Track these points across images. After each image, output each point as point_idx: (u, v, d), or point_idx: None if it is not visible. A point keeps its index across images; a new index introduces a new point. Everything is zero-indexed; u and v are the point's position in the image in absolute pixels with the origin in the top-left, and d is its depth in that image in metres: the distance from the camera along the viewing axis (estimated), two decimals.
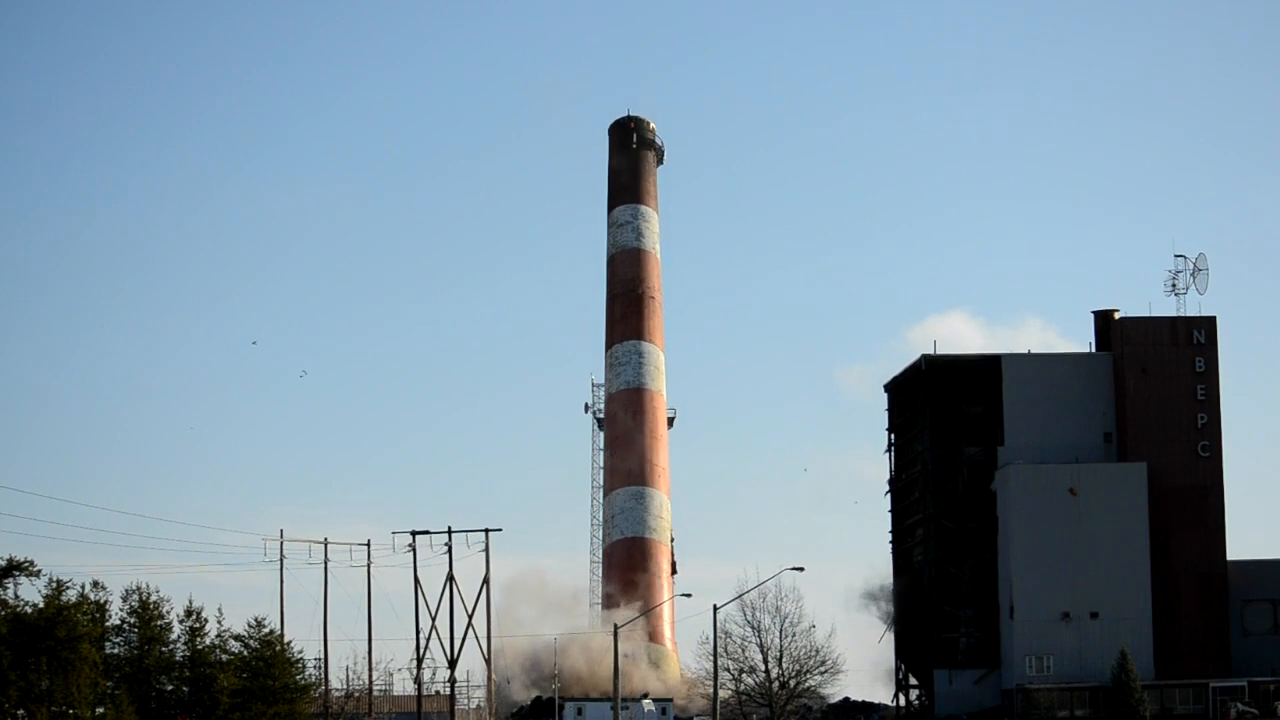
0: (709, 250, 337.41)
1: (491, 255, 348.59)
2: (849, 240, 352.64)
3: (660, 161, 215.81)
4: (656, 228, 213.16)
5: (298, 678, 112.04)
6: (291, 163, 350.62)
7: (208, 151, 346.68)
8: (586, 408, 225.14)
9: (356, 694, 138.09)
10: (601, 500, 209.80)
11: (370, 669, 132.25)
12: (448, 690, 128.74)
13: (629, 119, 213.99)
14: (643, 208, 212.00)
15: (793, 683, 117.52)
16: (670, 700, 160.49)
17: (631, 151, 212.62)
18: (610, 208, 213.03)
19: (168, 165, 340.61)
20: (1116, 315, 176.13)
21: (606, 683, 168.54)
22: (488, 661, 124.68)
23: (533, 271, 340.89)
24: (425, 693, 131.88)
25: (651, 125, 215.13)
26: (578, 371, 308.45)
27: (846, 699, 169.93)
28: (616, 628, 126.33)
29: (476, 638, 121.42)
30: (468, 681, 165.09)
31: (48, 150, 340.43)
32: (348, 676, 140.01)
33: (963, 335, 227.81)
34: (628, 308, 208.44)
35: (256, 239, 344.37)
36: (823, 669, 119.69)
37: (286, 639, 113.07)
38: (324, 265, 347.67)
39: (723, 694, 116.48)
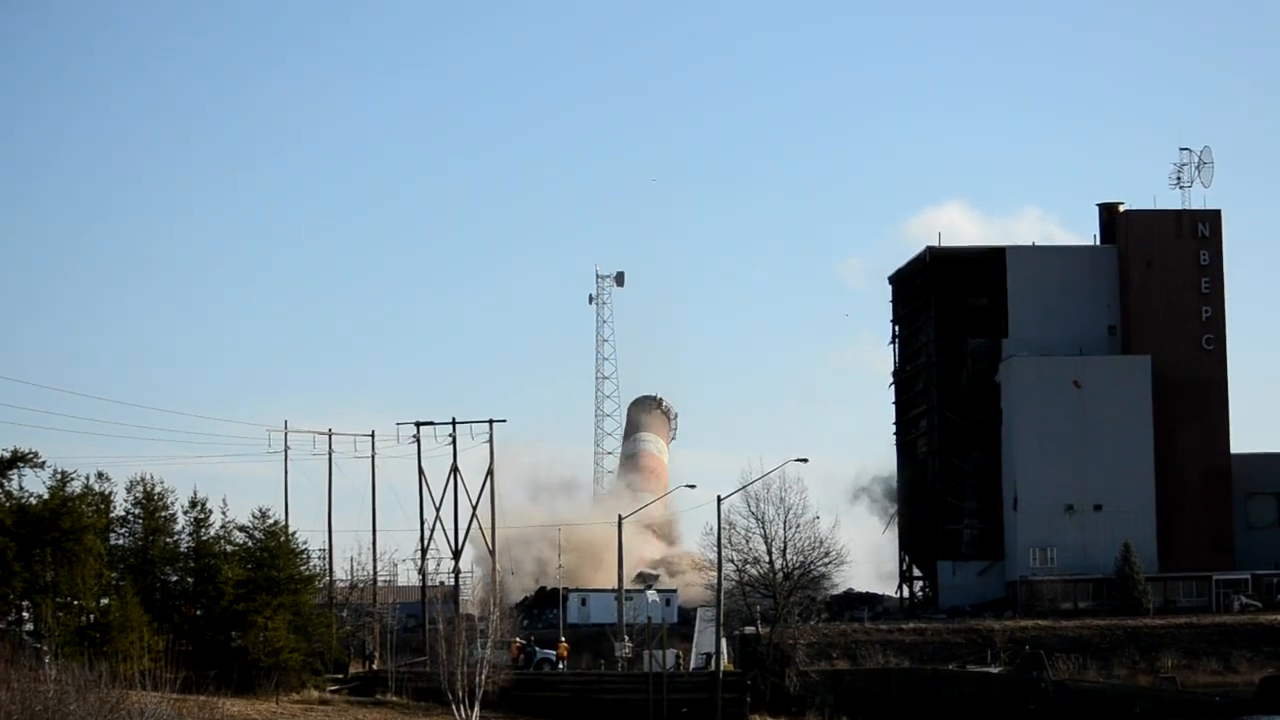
0: (710, 138, 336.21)
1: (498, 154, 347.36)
2: (845, 130, 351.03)
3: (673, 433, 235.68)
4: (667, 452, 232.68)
5: (302, 568, 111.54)
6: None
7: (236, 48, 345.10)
8: (590, 299, 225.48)
9: (361, 584, 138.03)
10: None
11: (374, 560, 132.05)
12: (452, 581, 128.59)
13: (654, 397, 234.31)
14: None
15: (797, 573, 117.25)
16: (674, 591, 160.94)
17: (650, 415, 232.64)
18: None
19: (188, 59, 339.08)
20: (1121, 208, 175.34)
21: (598, 577, 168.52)
22: (492, 552, 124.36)
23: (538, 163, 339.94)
24: (429, 583, 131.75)
25: (670, 403, 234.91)
26: (583, 263, 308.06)
27: (849, 590, 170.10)
28: (621, 518, 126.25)
29: (481, 529, 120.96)
30: (472, 572, 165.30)
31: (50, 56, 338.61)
32: (352, 567, 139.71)
33: (960, 226, 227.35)
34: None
35: (263, 145, 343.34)
36: (827, 560, 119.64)
37: (291, 530, 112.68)
38: (331, 159, 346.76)
39: (726, 585, 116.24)
